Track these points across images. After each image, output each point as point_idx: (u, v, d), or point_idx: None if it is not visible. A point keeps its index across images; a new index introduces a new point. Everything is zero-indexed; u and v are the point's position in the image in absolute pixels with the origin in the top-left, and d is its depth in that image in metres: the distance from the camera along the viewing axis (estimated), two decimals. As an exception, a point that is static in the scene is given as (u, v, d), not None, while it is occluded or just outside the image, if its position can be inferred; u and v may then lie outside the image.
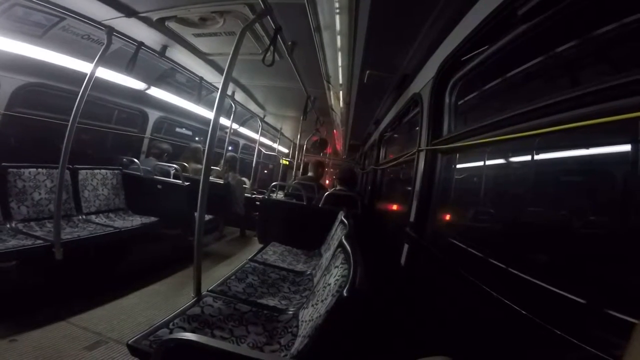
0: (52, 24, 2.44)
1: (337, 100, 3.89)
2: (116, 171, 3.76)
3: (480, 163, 1.70)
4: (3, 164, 2.65)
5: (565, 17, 0.97)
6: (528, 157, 1.29)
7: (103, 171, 3.58)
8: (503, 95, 1.52)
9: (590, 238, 0.93)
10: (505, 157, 1.46)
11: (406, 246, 1.94)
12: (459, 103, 1.82)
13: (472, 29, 1.39)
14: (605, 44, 0.89)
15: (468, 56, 1.57)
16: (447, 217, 1.89)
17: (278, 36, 2.23)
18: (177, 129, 5.60)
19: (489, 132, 1.27)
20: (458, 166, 1.82)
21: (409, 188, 2.18)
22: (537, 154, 1.18)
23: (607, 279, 0.80)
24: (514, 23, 1.16)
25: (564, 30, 1.00)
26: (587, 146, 0.95)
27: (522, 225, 1.26)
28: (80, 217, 3.20)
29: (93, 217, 3.30)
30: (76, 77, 2.65)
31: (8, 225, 2.57)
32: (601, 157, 0.95)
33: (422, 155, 1.96)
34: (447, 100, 1.85)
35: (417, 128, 2.18)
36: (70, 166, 3.13)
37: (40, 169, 2.89)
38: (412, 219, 1.96)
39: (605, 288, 0.78)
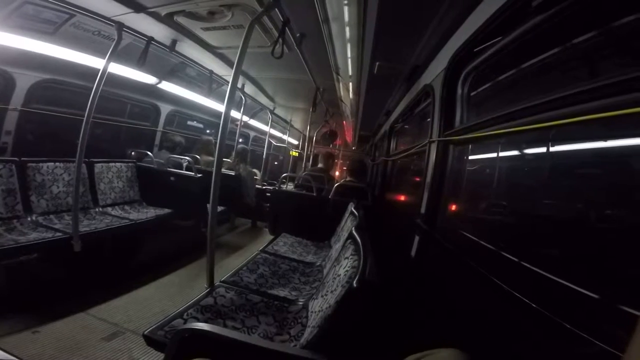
0: (62, 21, 2.48)
1: (347, 92, 3.86)
2: (130, 164, 3.83)
3: (493, 155, 1.67)
4: (22, 158, 2.72)
5: (583, 8, 0.93)
6: (542, 149, 1.26)
7: (118, 164, 3.66)
8: (517, 87, 1.48)
9: (604, 232, 0.92)
10: (519, 149, 1.44)
11: (417, 238, 1.93)
12: (472, 94, 1.79)
13: (485, 20, 1.35)
14: (625, 35, 0.86)
15: (481, 47, 1.53)
16: (459, 209, 1.87)
17: (286, 28, 2.21)
18: (189, 122, 5.68)
19: (502, 124, 1.24)
20: (470, 158, 1.79)
21: (420, 179, 2.16)
22: (552, 146, 1.15)
23: (619, 275, 0.79)
24: (529, 14, 1.13)
25: (581, 21, 0.97)
26: (604, 138, 0.93)
27: (534, 218, 1.25)
28: (96, 209, 3.28)
29: (109, 209, 3.38)
30: (90, 73, 2.70)
31: (29, 219, 2.66)
32: (618, 150, 0.93)
33: (434, 147, 1.94)
34: (459, 91, 1.82)
35: (429, 119, 2.15)
36: (87, 159, 3.20)
37: (57, 163, 2.97)
38: (423, 210, 1.95)
39: (614, 283, 0.77)
